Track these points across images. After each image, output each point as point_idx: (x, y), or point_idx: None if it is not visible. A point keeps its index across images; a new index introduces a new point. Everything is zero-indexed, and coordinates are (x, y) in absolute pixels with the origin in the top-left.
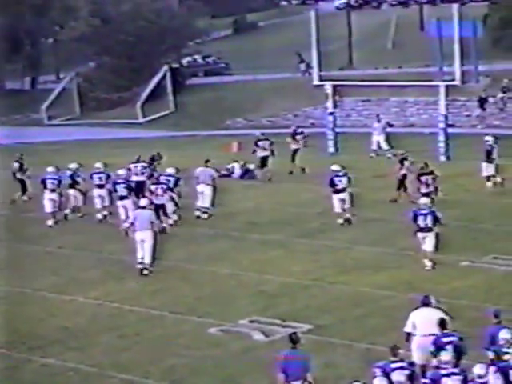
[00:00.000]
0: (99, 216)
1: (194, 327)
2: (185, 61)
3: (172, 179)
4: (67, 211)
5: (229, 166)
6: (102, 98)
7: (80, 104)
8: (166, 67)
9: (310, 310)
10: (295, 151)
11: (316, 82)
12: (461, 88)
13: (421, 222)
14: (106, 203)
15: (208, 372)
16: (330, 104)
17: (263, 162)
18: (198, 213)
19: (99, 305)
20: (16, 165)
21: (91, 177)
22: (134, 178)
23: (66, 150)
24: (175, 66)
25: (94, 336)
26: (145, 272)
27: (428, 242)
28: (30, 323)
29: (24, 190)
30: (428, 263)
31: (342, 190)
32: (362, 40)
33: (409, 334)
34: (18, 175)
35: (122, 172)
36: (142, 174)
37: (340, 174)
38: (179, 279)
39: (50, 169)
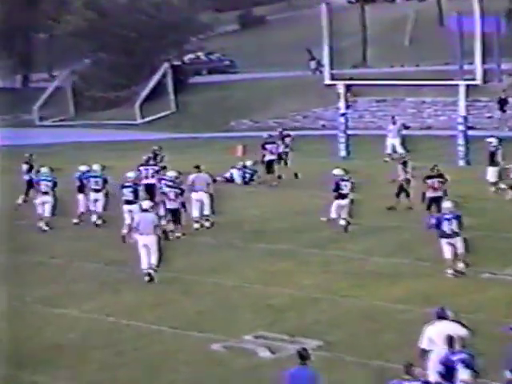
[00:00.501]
0: (94, 218)
1: (195, 343)
2: (187, 58)
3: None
4: (95, 219)
5: (227, 175)
6: (98, 98)
7: (74, 104)
8: (166, 64)
9: (319, 325)
10: (285, 154)
11: (327, 81)
12: (482, 88)
13: (446, 227)
14: (99, 209)
15: None
16: (341, 104)
17: (269, 166)
18: (197, 225)
19: (94, 319)
20: (25, 166)
21: (88, 180)
22: (144, 181)
23: (58, 153)
24: (177, 63)
25: (89, 352)
26: (152, 273)
27: (459, 246)
28: (18, 339)
29: (28, 192)
30: (460, 265)
31: (345, 196)
32: (377, 36)
33: (424, 351)
34: (27, 177)
35: (131, 174)
36: (153, 176)
37: (345, 177)
38: (180, 292)
39: (43, 169)
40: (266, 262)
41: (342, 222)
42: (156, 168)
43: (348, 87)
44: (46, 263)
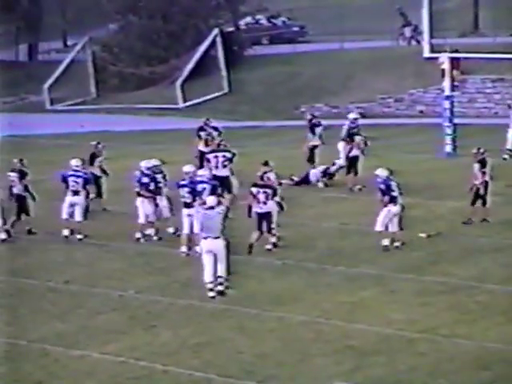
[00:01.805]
0: (138, 235)
1: None
2: (243, 22)
3: (208, 186)
4: (150, 231)
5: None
6: (127, 74)
7: (96, 82)
8: (216, 31)
9: (416, 374)
10: (314, 148)
11: (427, 54)
12: None
13: None
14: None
15: None
16: (446, 84)
17: (352, 164)
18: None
19: (121, 363)
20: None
21: (139, 180)
22: (214, 173)
23: (76, 146)
24: (229, 29)
25: None
26: (220, 288)
27: None
28: None
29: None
30: None
31: (396, 200)
32: None
33: None
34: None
35: (188, 169)
36: (225, 166)
37: (391, 177)
38: (233, 329)
39: (73, 162)
40: (347, 290)
41: (386, 242)
42: (228, 155)
43: (454, 62)
44: (59, 290)
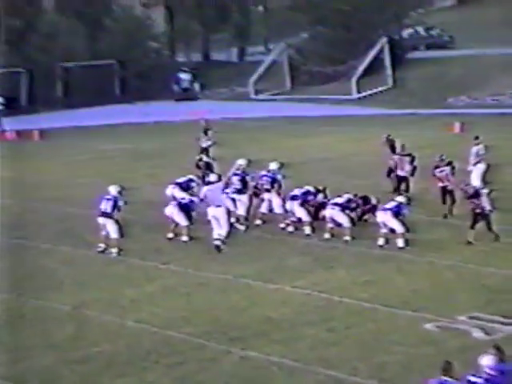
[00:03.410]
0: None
1: (408, 322)
2: (405, 33)
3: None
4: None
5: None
6: (315, 72)
7: (291, 78)
8: (384, 39)
9: None
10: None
11: None
12: None
13: None
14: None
15: (422, 371)
16: None
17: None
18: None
19: (307, 295)
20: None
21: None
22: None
23: (273, 127)
24: (395, 37)
25: (300, 328)
26: (217, 243)
27: None
28: (231, 312)
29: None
30: None
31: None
32: None
33: None
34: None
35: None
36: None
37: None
38: (393, 270)
39: (110, 188)
40: (482, 240)
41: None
42: (446, 169)
43: None
44: (259, 238)
